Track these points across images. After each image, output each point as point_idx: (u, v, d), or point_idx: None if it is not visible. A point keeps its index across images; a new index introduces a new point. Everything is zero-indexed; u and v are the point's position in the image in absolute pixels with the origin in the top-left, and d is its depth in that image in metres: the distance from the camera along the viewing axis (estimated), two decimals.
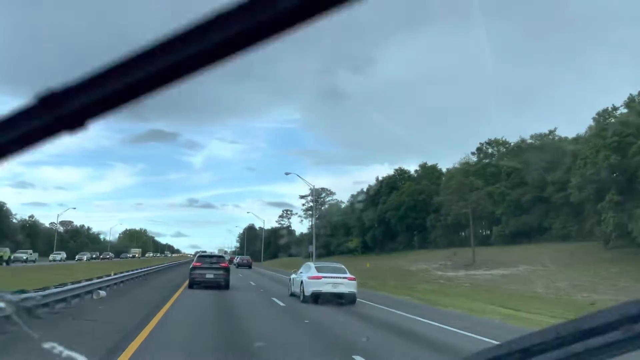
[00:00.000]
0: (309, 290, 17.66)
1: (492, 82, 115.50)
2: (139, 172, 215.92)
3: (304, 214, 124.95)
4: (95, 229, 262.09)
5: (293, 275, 21.10)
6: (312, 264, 19.97)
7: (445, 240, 61.26)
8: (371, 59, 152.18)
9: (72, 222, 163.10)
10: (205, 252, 31.16)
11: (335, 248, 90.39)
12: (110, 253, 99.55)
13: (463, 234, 60.17)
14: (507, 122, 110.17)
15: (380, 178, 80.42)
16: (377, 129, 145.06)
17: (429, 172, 69.85)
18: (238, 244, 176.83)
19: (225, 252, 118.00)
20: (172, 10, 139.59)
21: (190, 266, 23.99)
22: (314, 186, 50.33)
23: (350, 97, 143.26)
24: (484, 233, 61.58)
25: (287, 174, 50.11)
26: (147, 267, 35.18)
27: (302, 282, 18.39)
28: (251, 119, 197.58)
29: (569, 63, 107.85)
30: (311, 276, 17.95)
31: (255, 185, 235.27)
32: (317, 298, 17.47)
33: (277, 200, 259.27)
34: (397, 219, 68.90)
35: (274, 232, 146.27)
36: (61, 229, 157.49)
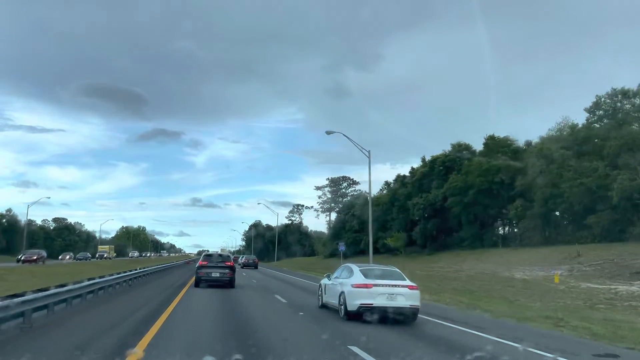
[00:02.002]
0: (354, 304, 12.87)
1: (492, 81, 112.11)
2: (143, 171, 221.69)
3: (321, 207, 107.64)
4: (94, 228, 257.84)
5: (325, 281, 15.96)
6: (355, 267, 14.38)
7: (537, 234, 44.18)
8: (373, 59, 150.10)
9: (67, 219, 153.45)
10: (208, 251, 33.38)
11: (368, 246, 73.34)
12: (87, 253, 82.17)
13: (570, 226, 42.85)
14: (508, 122, 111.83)
15: (427, 158, 63.46)
16: (379, 128, 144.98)
17: (500, 145, 52.62)
18: (244, 243, 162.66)
19: (230, 252, 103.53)
20: (172, 9, 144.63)
21: (197, 265, 23.95)
22: (369, 151, 33.43)
23: (352, 97, 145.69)
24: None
25: (329, 132, 33.28)
26: (109, 277, 19.85)
27: (342, 292, 13.55)
28: (254, 119, 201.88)
29: (571, 62, 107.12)
30: (357, 284, 13.11)
31: (258, 184, 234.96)
32: (364, 314, 12.65)
33: (281, 200, 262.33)
34: (462, 207, 51.89)
35: (284, 230, 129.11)
36: (38, 224, 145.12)
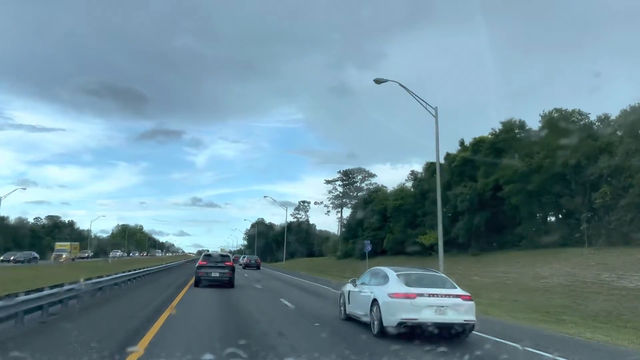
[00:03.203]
0: (393, 318, 10.21)
1: (493, 81, 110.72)
2: (143, 171, 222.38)
3: (331, 203, 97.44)
4: (95, 227, 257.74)
5: (349, 288, 13.26)
6: (390, 271, 11.58)
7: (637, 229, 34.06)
8: (375, 58, 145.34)
9: (60, 217, 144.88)
10: (208, 251, 34.16)
11: (392, 245, 63.54)
12: (33, 253, 70.13)
13: None
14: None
15: (467, 141, 53.42)
16: (379, 128, 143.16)
17: (566, 121, 42.49)
18: (246, 242, 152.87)
19: (230, 252, 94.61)
20: (173, 7, 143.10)
21: (196, 265, 23.85)
22: (436, 108, 23.41)
23: (353, 96, 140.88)
24: None
25: (379, 81, 23.21)
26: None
27: (374, 302, 10.85)
28: (254, 118, 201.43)
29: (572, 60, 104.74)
30: (396, 293, 10.43)
31: (258, 184, 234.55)
32: (403, 329, 10.07)
33: (282, 200, 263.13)
34: (523, 197, 41.82)
35: (288, 229, 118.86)
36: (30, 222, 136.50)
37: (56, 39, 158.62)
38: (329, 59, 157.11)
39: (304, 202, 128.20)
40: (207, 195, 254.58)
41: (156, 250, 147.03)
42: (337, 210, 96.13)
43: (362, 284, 12.56)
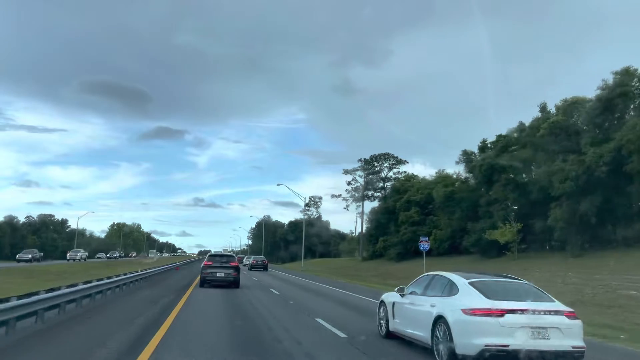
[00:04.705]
0: (471, 344, 7.46)
1: (494, 82, 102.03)
2: (145, 171, 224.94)
3: (351, 196, 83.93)
4: (94, 228, 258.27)
5: (393, 298, 10.43)
6: (458, 278, 8.78)
7: None
8: (378, 58, 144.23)
9: (53, 215, 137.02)
10: (211, 251, 33.20)
11: (440, 243, 50.22)
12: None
13: None
14: (510, 122, 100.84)
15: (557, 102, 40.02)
16: (380, 128, 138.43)
17: None
18: (250, 241, 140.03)
19: (232, 252, 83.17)
20: (176, 7, 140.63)
21: (202, 265, 23.72)
22: None
23: (353, 97, 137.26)
24: None
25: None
26: None
27: (439, 318, 8.17)
28: (256, 118, 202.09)
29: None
30: (474, 309, 7.72)
31: (260, 184, 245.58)
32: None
33: (283, 200, 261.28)
34: None
35: (297, 227, 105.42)
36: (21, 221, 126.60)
37: (57, 40, 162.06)
38: (331, 58, 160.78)
39: (315, 197, 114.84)
40: (209, 196, 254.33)
41: (150, 251, 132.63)
42: (357, 204, 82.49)
43: (412, 293, 9.71)
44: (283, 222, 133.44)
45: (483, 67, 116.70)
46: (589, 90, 60.64)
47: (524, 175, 40.11)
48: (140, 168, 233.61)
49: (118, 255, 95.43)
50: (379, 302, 11.39)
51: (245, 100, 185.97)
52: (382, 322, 10.93)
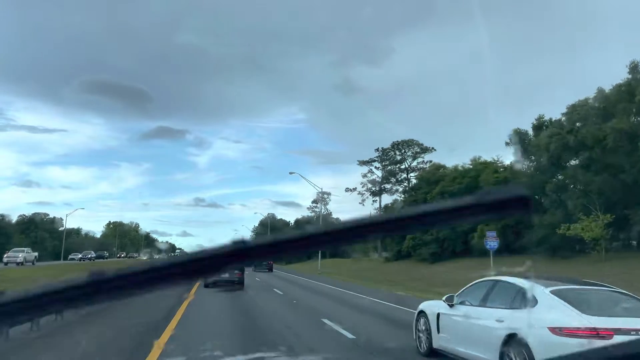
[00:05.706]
0: None
1: (494, 82, 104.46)
2: (145, 171, 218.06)
3: (367, 189, 75.16)
4: (94, 228, 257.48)
5: (438, 309, 8.60)
6: (538, 286, 6.58)
7: None
8: (380, 57, 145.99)
9: (48, 214, 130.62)
10: None
11: (480, 245, 41.16)
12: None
13: None
14: (510, 123, 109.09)
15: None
16: (381, 127, 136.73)
17: None
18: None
19: None
20: (176, 6, 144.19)
21: None
22: None
23: (354, 96, 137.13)
24: None
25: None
26: None
27: (512, 337, 6.22)
28: (257, 118, 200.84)
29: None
30: (567, 328, 5.61)
31: (261, 184, 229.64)
32: None
33: (285, 200, 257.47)
34: None
35: (307, 223, 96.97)
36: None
37: (58, 39, 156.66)
38: (331, 58, 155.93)
39: (324, 193, 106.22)
40: (210, 196, 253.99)
41: (145, 250, 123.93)
42: (374, 199, 73.80)
43: (463, 303, 7.96)
44: (288, 220, 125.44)
45: (484, 66, 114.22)
46: (591, 90, 53.74)
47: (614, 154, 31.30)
48: (140, 168, 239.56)
49: (93, 256, 76.54)
50: (416, 312, 9.46)
51: (246, 100, 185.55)
52: (421, 335, 9.04)
